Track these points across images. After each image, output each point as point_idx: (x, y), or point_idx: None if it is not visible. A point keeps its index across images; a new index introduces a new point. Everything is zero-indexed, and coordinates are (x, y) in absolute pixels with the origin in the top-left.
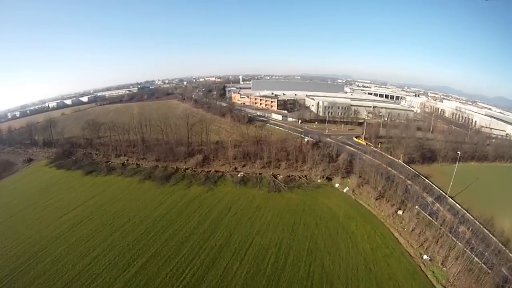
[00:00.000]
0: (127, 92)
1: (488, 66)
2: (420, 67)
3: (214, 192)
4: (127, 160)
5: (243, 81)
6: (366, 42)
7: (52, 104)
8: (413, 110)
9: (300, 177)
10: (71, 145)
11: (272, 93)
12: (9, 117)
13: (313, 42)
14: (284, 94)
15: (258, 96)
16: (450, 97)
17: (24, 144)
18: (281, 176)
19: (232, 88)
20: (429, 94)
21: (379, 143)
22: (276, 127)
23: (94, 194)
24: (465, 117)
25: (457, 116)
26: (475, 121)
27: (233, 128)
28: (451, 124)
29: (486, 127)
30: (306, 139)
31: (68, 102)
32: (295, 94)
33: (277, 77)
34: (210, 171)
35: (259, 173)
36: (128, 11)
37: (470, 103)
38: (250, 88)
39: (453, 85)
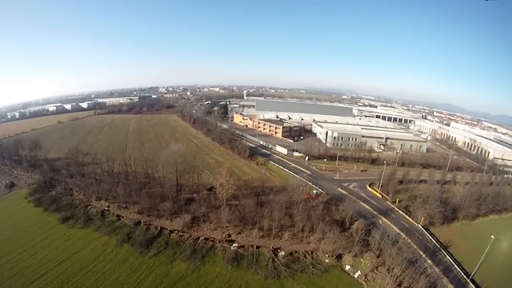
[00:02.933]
0: (128, 101)
1: (491, 83)
2: (424, 84)
3: (200, 274)
4: (108, 207)
5: (247, 96)
6: (371, 58)
7: (52, 108)
8: (426, 141)
9: (305, 255)
10: (54, 173)
11: (277, 116)
12: (9, 117)
13: (318, 56)
14: (290, 118)
15: (261, 120)
16: (455, 116)
17: (11, 160)
18: (283, 253)
19: (234, 105)
20: (435, 114)
21: (397, 199)
22: (280, 166)
23: (67, 255)
24: (478, 147)
25: (469, 145)
26: (489, 152)
27: (230, 181)
28: (464, 155)
29: (500, 159)
30: (314, 192)
31: (68, 107)
32: (302, 119)
33: (282, 90)
34: (199, 238)
35: (257, 246)
36: (139, 16)
37: (476, 123)
38: (253, 106)
39: (456, 102)
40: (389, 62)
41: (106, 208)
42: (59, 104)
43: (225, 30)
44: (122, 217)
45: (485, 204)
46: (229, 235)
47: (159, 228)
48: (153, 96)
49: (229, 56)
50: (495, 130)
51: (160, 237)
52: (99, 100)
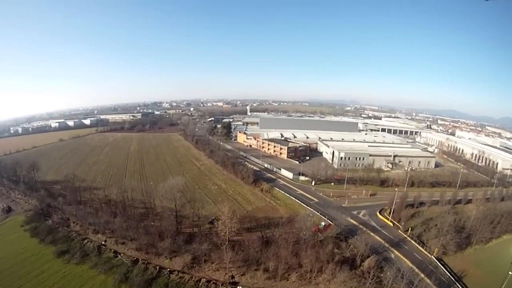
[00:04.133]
0: (131, 117)
1: (493, 87)
2: (427, 91)
3: None
4: (105, 241)
5: (250, 111)
6: (373, 68)
7: (55, 124)
8: (434, 157)
9: None
10: (51, 199)
11: (281, 135)
12: (12, 131)
13: (320, 67)
14: (294, 137)
15: (266, 139)
16: (459, 123)
17: (10, 180)
18: None
19: (238, 123)
20: (439, 122)
21: (409, 228)
22: (286, 193)
23: None
24: (487, 159)
25: (477, 157)
26: (497, 163)
27: (232, 219)
28: (473, 168)
29: (509, 169)
30: (323, 224)
31: (71, 123)
32: (307, 137)
33: (285, 103)
34: (200, 279)
35: None
36: (146, 30)
37: (480, 129)
38: (257, 123)
39: (459, 107)
40: (391, 71)
41: (103, 243)
42: (62, 120)
43: (229, 42)
44: (120, 254)
45: (499, 226)
46: (233, 277)
47: (158, 267)
48: (156, 112)
49: (233, 70)
50: (499, 135)
51: (159, 278)
52: (102, 117)
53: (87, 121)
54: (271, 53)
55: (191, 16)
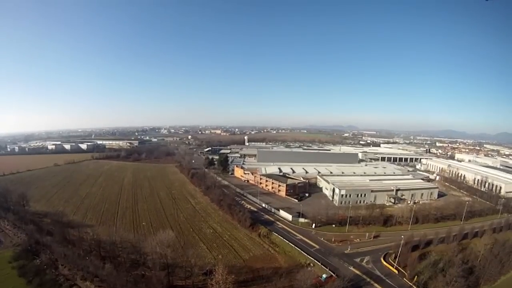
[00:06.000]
0: (128, 145)
1: (487, 104)
2: (424, 114)
3: None
4: None
5: (248, 141)
6: (369, 92)
7: (51, 147)
8: (437, 188)
9: None
10: (40, 235)
11: (280, 170)
12: (8, 149)
13: (318, 95)
14: (293, 171)
15: (264, 175)
16: (457, 143)
17: (0, 207)
18: None
19: (235, 155)
20: (437, 144)
21: (415, 276)
22: (284, 239)
23: None
24: (490, 183)
25: (480, 181)
26: (500, 187)
27: (228, 278)
28: (476, 195)
29: None
30: (324, 276)
31: (67, 147)
32: (306, 172)
33: (283, 130)
34: None
35: None
36: (147, 59)
37: (478, 147)
38: (255, 156)
39: (457, 127)
40: (387, 94)
41: None
42: (59, 143)
43: (227, 72)
44: None
45: (507, 263)
46: None
47: None
48: (153, 140)
49: (232, 98)
50: (498, 152)
51: None
52: (99, 142)
53: (83, 146)
54: (270, 84)
55: (193, 47)
